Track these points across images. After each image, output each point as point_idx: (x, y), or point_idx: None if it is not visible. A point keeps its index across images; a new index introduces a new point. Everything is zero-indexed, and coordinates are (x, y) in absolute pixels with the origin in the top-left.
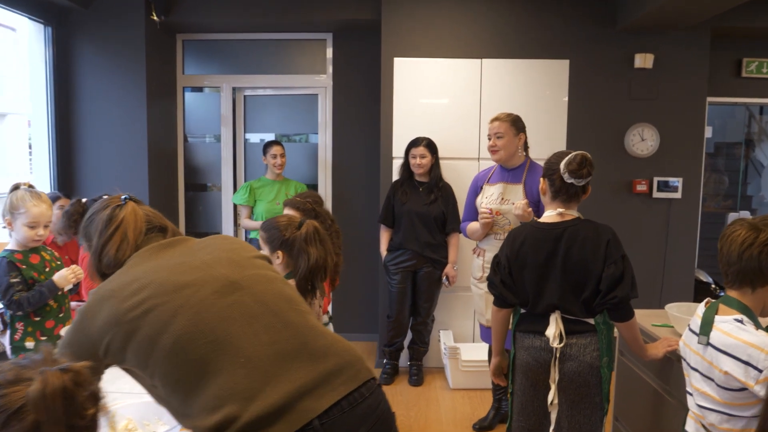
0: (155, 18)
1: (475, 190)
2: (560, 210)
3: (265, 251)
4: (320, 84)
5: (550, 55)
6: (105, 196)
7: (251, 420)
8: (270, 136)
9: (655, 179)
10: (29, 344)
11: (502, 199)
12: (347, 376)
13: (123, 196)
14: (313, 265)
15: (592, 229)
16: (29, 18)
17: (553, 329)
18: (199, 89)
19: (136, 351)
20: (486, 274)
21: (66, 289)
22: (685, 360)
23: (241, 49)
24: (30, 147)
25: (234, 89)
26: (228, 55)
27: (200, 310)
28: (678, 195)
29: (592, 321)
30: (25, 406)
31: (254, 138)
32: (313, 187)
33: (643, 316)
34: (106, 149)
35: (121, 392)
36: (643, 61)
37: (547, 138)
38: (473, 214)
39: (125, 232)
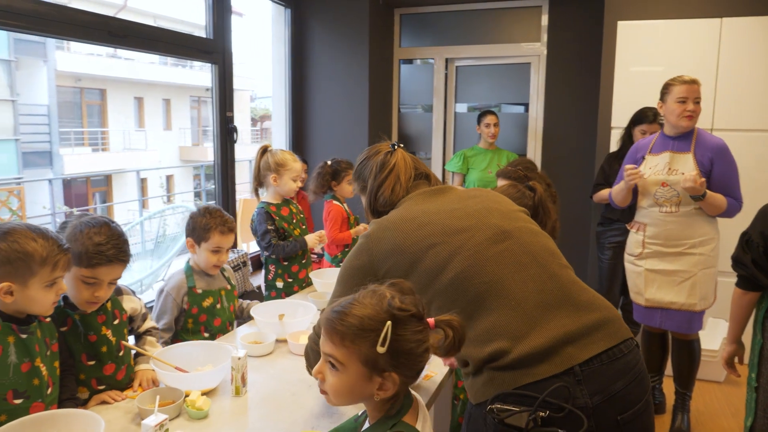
0: None
1: (634, 160)
2: None
3: None
4: (533, 52)
5: None
6: (375, 149)
7: (520, 356)
8: (479, 107)
9: None
10: (279, 284)
11: (669, 169)
12: (608, 331)
13: (392, 144)
14: (555, 221)
15: None
16: (273, 1)
17: None
18: (413, 61)
19: (417, 280)
20: (645, 250)
21: (312, 248)
22: None
23: (454, 21)
24: (252, 119)
25: (447, 60)
26: (441, 27)
27: (475, 253)
28: None
29: None
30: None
31: (463, 108)
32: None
33: None
34: (332, 119)
35: None
36: None
37: None
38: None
39: (398, 175)
